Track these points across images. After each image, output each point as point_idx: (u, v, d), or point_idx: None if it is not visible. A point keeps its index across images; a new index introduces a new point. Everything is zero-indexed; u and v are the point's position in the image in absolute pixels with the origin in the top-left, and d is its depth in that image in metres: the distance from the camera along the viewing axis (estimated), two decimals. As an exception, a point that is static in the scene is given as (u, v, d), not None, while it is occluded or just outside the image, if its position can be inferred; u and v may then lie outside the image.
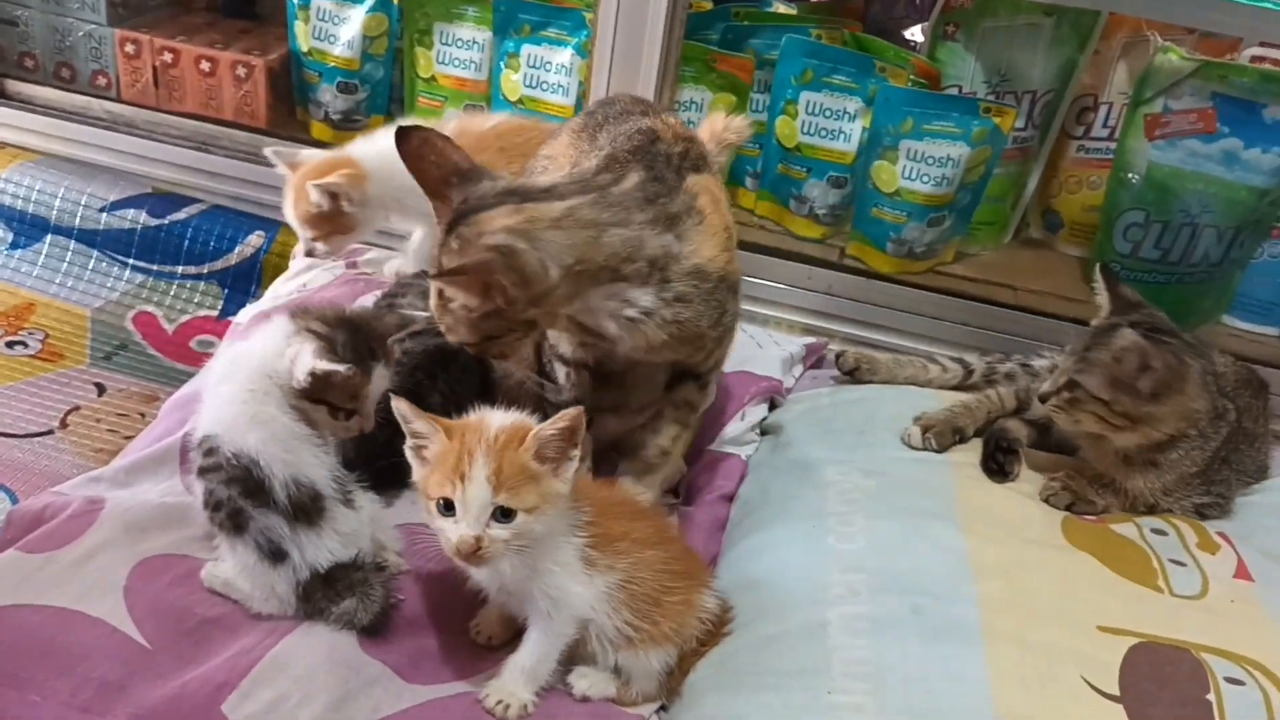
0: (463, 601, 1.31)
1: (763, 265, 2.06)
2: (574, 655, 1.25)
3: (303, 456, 1.30)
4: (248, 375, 1.31)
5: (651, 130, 1.42)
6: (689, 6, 1.98)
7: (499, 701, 1.21)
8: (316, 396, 1.31)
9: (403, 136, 1.34)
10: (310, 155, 1.86)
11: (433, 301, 1.33)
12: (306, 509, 1.28)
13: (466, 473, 1.12)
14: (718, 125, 1.67)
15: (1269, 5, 1.81)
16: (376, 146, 1.80)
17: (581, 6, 2.09)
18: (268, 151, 1.87)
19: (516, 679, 1.22)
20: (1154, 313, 1.55)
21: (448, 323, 1.32)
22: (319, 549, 1.29)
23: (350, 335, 1.34)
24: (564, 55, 2.09)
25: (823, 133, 2.08)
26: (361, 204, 1.81)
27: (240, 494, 1.27)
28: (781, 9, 2.30)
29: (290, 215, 1.85)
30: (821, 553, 1.40)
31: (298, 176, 1.81)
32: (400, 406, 1.18)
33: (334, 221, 1.82)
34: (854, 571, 1.36)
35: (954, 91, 2.08)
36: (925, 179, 1.98)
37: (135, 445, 1.58)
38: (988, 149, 1.98)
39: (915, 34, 2.60)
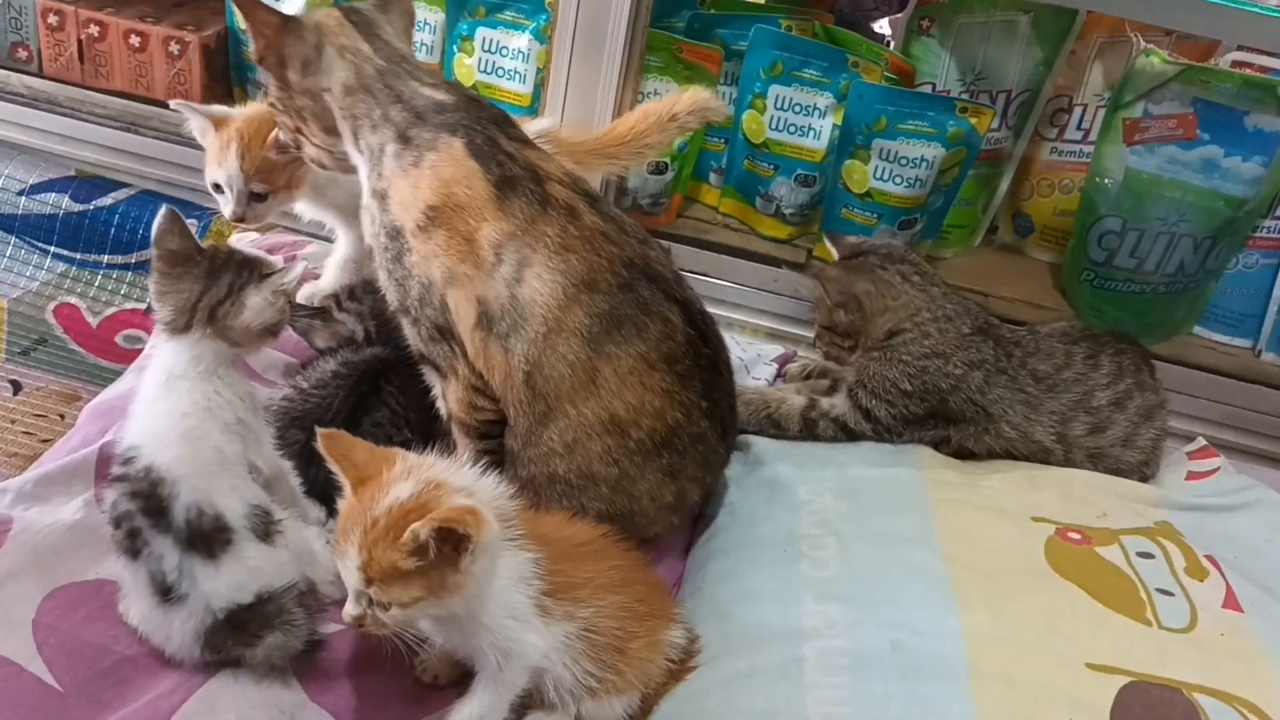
0: (407, 639, 1.21)
1: (726, 266, 1.97)
2: (530, 699, 1.15)
3: (217, 484, 1.19)
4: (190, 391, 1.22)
5: (504, 118, 1.39)
6: (654, -7, 1.88)
7: (446, 749, 1.12)
8: None
9: None
10: (241, 111, 1.66)
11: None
12: (206, 539, 1.16)
13: (344, 550, 1.03)
14: (679, 106, 1.66)
15: (1254, 9, 1.75)
16: None
17: (540, -12, 1.98)
18: (175, 103, 1.67)
19: (467, 722, 1.12)
20: (873, 246, 1.66)
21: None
22: (214, 585, 1.16)
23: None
24: (521, 40, 1.98)
25: (792, 129, 1.99)
26: None
27: (140, 510, 1.16)
28: (749, -2, 2.20)
29: (233, 166, 1.62)
30: (794, 579, 1.32)
31: (242, 124, 1.62)
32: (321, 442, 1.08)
33: (288, 172, 1.62)
34: (829, 601, 1.28)
35: (927, 89, 2.01)
36: (898, 180, 1.90)
37: (50, 455, 1.45)
38: (963, 150, 1.90)
39: (884, 26, 2.53)
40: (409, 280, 1.31)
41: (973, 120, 1.88)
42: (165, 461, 1.18)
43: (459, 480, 1.09)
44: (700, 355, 1.31)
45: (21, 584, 1.20)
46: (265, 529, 1.21)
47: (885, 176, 1.90)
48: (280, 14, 1.35)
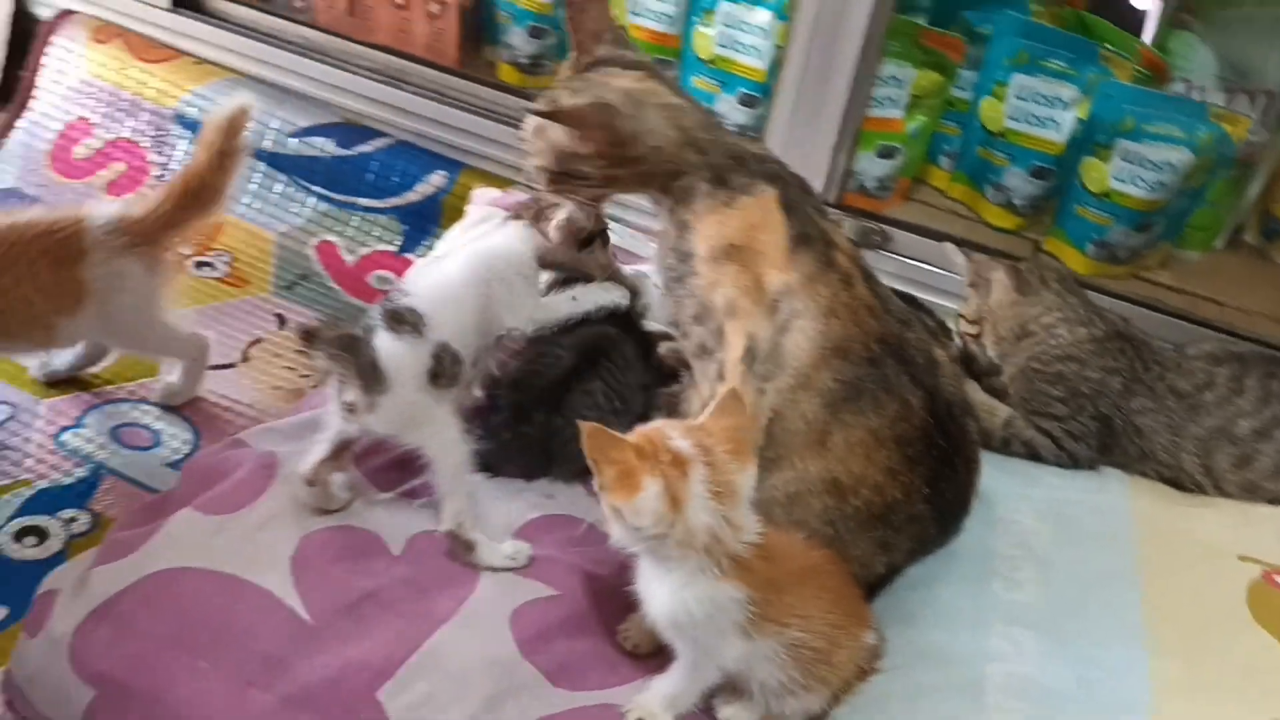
0: (614, 603, 1.31)
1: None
2: (729, 682, 1.23)
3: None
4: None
5: (807, 184, 1.44)
6: (902, -25, 1.87)
7: (639, 719, 1.22)
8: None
9: None
10: None
11: (531, 127, 1.43)
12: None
13: None
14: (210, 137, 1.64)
15: None
16: None
17: (787, -34, 1.99)
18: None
19: (659, 701, 1.21)
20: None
21: (537, 148, 1.43)
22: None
23: None
24: (763, 16, 2.00)
25: (1031, 119, 1.95)
26: None
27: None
28: (1001, -24, 2.14)
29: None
30: (986, 598, 1.35)
31: None
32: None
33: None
34: (1019, 626, 1.31)
35: (1181, 86, 1.92)
36: (1139, 183, 1.84)
37: (312, 397, 1.61)
38: (1212, 157, 1.82)
39: (1145, 2, 2.42)
40: (688, 299, 1.39)
41: (1227, 127, 1.80)
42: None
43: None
44: (934, 444, 1.30)
45: (283, 524, 1.35)
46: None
47: (1126, 178, 1.85)
48: (588, 106, 1.37)
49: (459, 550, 1.36)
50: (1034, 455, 1.58)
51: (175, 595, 1.27)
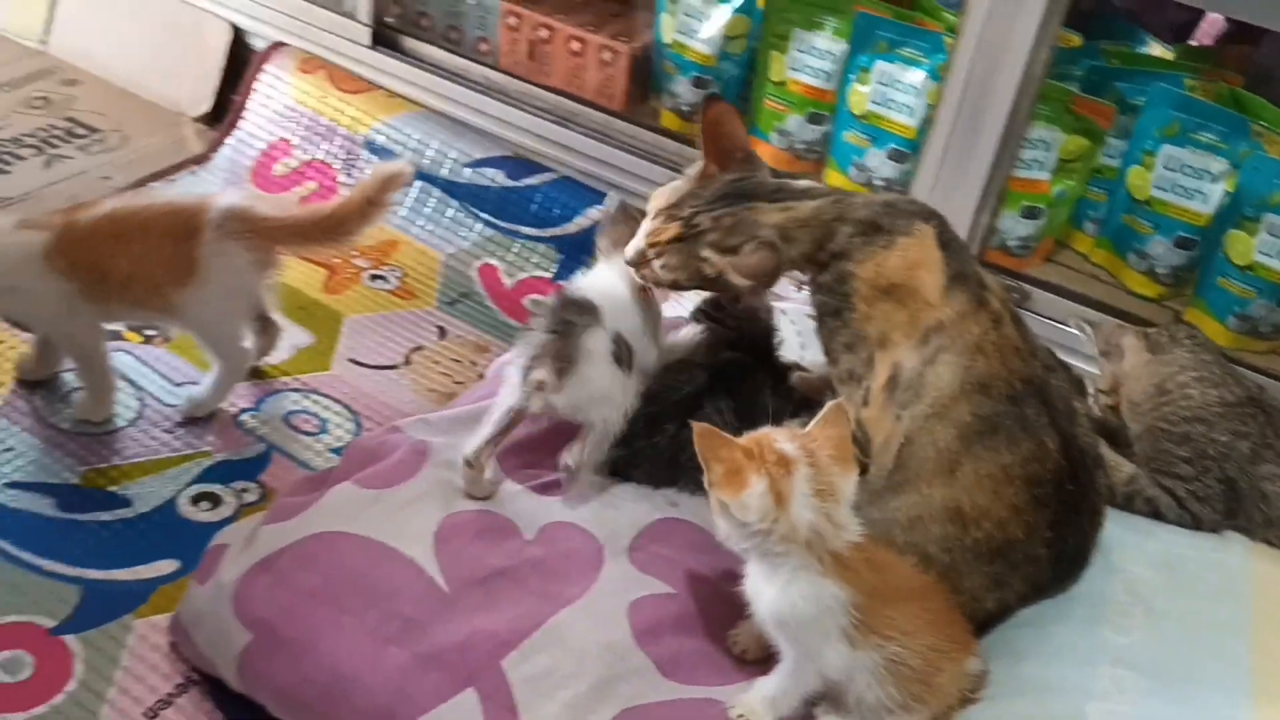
0: (726, 608, 1.38)
1: (1087, 319, 1.99)
2: (831, 691, 1.28)
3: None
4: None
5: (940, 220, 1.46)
6: (1055, 43, 1.92)
7: (742, 716, 1.28)
8: None
9: (708, 104, 1.54)
10: None
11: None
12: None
13: None
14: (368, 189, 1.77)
15: None
16: None
17: (943, 30, 2.07)
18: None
19: (760, 701, 1.28)
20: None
21: (672, 263, 1.47)
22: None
23: None
24: (917, 76, 2.08)
25: (1179, 190, 1.97)
26: None
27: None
28: (1157, 51, 2.18)
29: None
30: (1094, 641, 1.38)
31: None
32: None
33: None
34: (1124, 667, 1.33)
35: (1338, 165, 1.91)
36: (1286, 258, 1.85)
37: (463, 398, 1.75)
38: (1366, 235, 1.82)
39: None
40: (841, 330, 1.43)
41: (1382, 206, 1.79)
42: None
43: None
44: (1063, 489, 1.33)
45: (429, 503, 1.48)
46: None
47: (1272, 252, 1.85)
48: (767, 254, 1.43)
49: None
50: (1156, 513, 1.59)
51: (329, 555, 1.41)
